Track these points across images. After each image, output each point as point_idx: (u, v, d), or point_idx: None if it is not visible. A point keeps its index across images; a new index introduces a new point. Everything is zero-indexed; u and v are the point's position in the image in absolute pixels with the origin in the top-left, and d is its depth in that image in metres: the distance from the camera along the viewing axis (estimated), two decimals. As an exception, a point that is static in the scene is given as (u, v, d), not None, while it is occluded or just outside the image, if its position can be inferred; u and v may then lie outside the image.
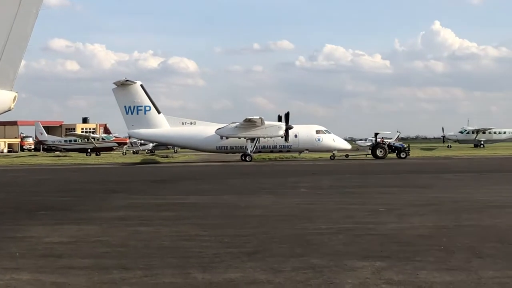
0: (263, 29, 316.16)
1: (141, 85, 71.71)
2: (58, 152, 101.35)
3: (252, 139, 69.05)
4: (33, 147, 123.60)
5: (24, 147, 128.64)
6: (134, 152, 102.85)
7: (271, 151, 72.59)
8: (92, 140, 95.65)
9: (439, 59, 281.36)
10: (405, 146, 74.60)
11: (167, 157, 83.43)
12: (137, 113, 70.38)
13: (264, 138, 69.37)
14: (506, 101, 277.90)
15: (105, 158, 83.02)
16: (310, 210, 21.86)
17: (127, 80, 70.38)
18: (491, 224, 17.66)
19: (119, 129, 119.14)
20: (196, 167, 59.72)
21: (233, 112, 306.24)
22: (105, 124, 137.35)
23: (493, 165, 53.14)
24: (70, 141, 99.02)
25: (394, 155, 70.80)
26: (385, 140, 77.27)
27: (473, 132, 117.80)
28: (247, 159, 68.03)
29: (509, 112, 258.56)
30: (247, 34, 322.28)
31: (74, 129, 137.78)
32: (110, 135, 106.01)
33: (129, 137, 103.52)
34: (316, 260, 12.79)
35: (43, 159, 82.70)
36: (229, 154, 73.38)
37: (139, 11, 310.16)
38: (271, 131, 68.41)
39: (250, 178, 40.12)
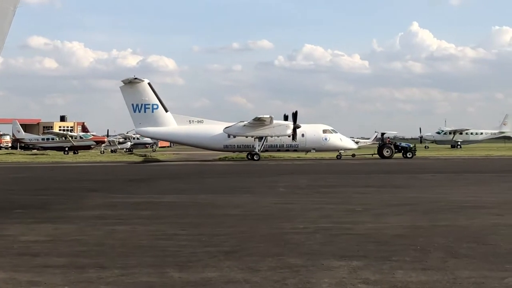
0: (242, 28, 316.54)
1: (149, 83, 71.81)
2: (35, 151, 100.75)
3: (260, 138, 69.33)
4: (10, 145, 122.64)
5: (1, 145, 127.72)
6: (112, 151, 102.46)
7: (278, 150, 72.90)
8: (70, 138, 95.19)
9: (417, 60, 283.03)
10: (411, 146, 75.15)
11: (145, 156, 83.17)
12: (145, 111, 70.61)
13: (272, 137, 69.62)
14: (483, 102, 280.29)
15: (83, 157, 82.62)
16: (288, 209, 21.90)
17: (135, 78, 70.55)
18: (467, 224, 17.78)
19: (97, 128, 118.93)
20: (175, 166, 59.59)
21: (212, 111, 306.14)
22: (83, 123, 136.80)
23: (470, 166, 53.52)
24: (48, 139, 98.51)
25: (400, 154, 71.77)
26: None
27: (450, 133, 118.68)
28: (254, 157, 68.30)
29: (486, 113, 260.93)
30: (227, 33, 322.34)
31: (51, 127, 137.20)
32: (88, 133, 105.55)
33: (107, 135, 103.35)
34: (293, 260, 12.82)
35: (20, 157, 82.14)
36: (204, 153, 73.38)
37: (118, 9, 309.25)
38: (279, 130, 68.74)
39: (228, 178, 40.14)
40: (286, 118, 71.02)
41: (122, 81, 71.23)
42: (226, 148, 72.38)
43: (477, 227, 17.29)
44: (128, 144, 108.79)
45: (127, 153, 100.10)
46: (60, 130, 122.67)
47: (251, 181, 36.24)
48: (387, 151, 71.75)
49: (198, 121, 72.73)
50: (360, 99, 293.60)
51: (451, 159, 69.35)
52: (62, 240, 15.74)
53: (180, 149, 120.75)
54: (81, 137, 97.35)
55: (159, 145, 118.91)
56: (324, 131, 71.52)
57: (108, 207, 23.09)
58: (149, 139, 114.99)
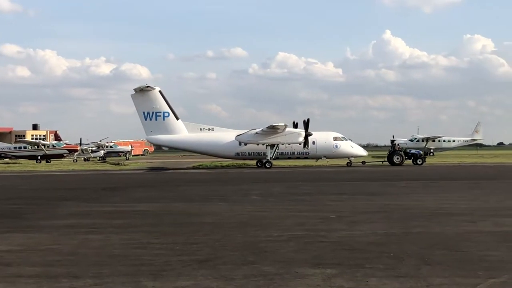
0: (217, 36, 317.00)
1: (160, 91, 71.79)
2: (7, 159, 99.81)
3: (272, 146, 69.49)
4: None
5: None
6: (85, 159, 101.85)
7: (289, 158, 72.90)
8: (43, 147, 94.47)
9: (390, 68, 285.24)
10: (421, 153, 75.63)
11: (118, 164, 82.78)
12: (156, 119, 70.57)
13: (283, 144, 69.82)
14: (455, 109, 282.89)
15: (55, 166, 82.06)
16: (262, 217, 21.91)
17: (147, 86, 70.69)
18: (440, 231, 17.91)
19: (70, 136, 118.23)
20: (149, 174, 59.37)
21: (186, 119, 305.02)
22: (56, 131, 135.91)
23: (442, 173, 53.89)
24: (20, 148, 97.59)
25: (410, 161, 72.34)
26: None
27: (422, 140, 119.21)
28: (266, 165, 68.35)
29: (458, 121, 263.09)
30: (201, 41, 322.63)
31: (24, 135, 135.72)
32: (61, 142, 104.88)
33: (80, 144, 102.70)
34: (267, 268, 12.83)
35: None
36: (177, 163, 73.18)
37: (91, 17, 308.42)
38: (291, 137, 68.70)
39: (202, 185, 40.08)
40: (296, 125, 70.88)
41: (134, 89, 71.57)
42: (237, 156, 72.47)
43: (450, 234, 17.42)
44: (101, 152, 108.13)
45: (100, 161, 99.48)
46: (32, 138, 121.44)
47: (226, 189, 36.20)
48: (398, 158, 72.43)
49: (209, 129, 72.77)
50: (334, 106, 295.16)
51: (424, 166, 69.56)
52: (34, 249, 15.61)
53: (154, 158, 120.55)
54: (53, 146, 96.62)
55: (132, 153, 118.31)
56: (335, 139, 71.65)
57: (81, 216, 22.94)
58: (123, 147, 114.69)
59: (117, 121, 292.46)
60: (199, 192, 34.70)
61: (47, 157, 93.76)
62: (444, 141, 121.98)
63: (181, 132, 71.48)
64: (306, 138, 68.67)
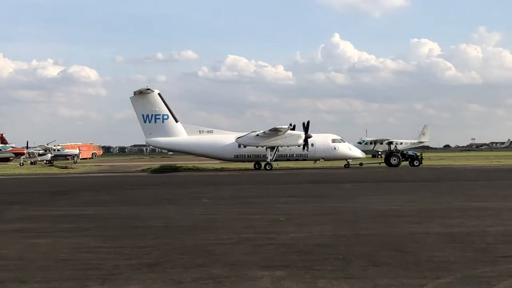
0: (167, 39, 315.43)
1: (159, 94, 71.54)
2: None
3: (272, 148, 69.71)
4: None
5: None
6: (32, 163, 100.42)
7: (288, 160, 73.15)
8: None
9: (339, 71, 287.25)
10: (418, 154, 76.60)
11: (66, 167, 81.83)
12: (155, 122, 70.55)
13: (283, 147, 70.09)
14: (403, 112, 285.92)
15: (1, 169, 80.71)
16: (212, 220, 21.88)
17: (147, 89, 70.50)
18: (387, 233, 18.10)
19: (16, 139, 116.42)
20: (97, 177, 58.81)
21: (135, 122, 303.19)
22: (2, 134, 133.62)
23: (390, 175, 54.49)
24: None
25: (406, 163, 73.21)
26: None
27: (371, 143, 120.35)
28: (267, 167, 68.50)
29: (406, 124, 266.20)
30: (151, 44, 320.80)
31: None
32: (7, 145, 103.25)
33: (27, 147, 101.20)
34: (216, 271, 12.82)
35: None
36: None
37: (38, 19, 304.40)
38: (291, 140, 69.02)
39: (151, 189, 39.85)
40: (293, 128, 70.72)
41: (134, 92, 71.30)
42: (237, 158, 72.51)
43: (398, 235, 17.62)
44: (48, 156, 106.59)
45: (47, 165, 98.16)
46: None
47: (175, 192, 36.07)
48: (395, 160, 73.43)
49: (208, 131, 72.88)
50: (284, 110, 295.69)
51: (372, 168, 70.20)
52: (-21, 254, 15.33)
53: (102, 161, 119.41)
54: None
55: (80, 157, 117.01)
56: (333, 141, 72.29)
57: (28, 220, 22.62)
58: (71, 150, 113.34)
59: (65, 124, 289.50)
60: (148, 195, 34.50)
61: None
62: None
63: (180, 134, 71.51)
64: (306, 140, 69.17)
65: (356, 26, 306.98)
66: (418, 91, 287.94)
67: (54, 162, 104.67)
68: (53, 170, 77.49)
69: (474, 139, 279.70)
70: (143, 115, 70.69)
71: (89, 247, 16.27)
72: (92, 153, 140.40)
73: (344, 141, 73.63)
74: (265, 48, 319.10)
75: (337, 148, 71.81)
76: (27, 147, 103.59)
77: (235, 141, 70.47)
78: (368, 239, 16.99)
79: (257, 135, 69.30)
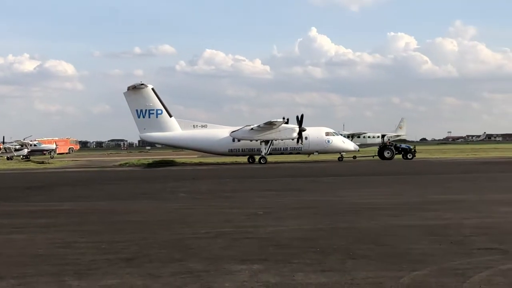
0: (144, 33, 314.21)
1: (153, 89, 71.36)
2: None
3: (267, 142, 69.88)
4: None
5: None
6: (8, 158, 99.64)
7: (281, 153, 73.24)
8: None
9: (317, 65, 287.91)
10: (411, 147, 77.08)
11: (43, 162, 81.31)
12: (149, 117, 70.54)
13: (277, 140, 70.24)
14: (380, 106, 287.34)
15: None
16: (189, 214, 21.86)
17: (141, 84, 70.30)
18: (365, 226, 18.18)
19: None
20: (74, 172, 58.50)
21: (112, 117, 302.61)
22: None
23: (368, 169, 54.69)
24: None
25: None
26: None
27: (348, 137, 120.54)
28: (261, 161, 68.65)
29: (383, 117, 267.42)
30: (128, 38, 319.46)
31: None
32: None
33: (3, 142, 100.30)
34: (194, 265, 12.81)
35: None
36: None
37: (14, 13, 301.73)
38: (286, 133, 69.28)
39: (129, 184, 39.70)
40: (287, 122, 70.67)
41: (128, 87, 71.10)
42: (231, 152, 72.63)
43: (375, 228, 17.70)
44: (25, 151, 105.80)
45: (24, 160, 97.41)
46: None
47: (153, 187, 35.96)
48: (388, 153, 74.06)
49: (202, 126, 72.92)
50: (262, 104, 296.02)
51: (349, 162, 70.34)
52: (-45, 250, 15.20)
53: (79, 156, 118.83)
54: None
55: (57, 152, 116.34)
56: (327, 134, 72.56)
57: (4, 216, 22.44)
58: (48, 145, 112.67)
59: (42, 119, 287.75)
60: (125, 190, 34.39)
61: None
62: (369, 137, 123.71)
63: (175, 129, 71.50)
64: (300, 133, 69.35)
65: (333, 20, 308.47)
66: (395, 85, 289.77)
67: (31, 157, 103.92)
68: (30, 165, 76.97)
69: (450, 132, 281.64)
70: (137, 110, 70.67)
71: (66, 242, 16.18)
72: (69, 148, 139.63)
73: (338, 134, 74.29)
74: (243, 42, 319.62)
75: (330, 141, 72.15)
76: (3, 142, 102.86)
77: (230, 135, 70.68)
78: (346, 232, 17.04)
79: (252, 129, 69.55)
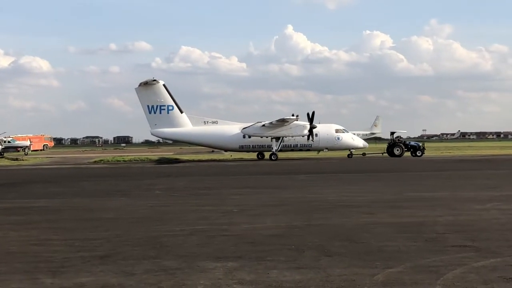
0: (121, 29, 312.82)
1: (164, 85, 71.20)
2: None
3: (278, 138, 69.94)
4: None
5: None
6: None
7: (292, 150, 73.27)
8: None
9: (293, 63, 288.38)
10: (420, 145, 77.46)
11: (17, 159, 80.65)
12: (160, 113, 70.55)
13: (288, 137, 70.29)
14: (356, 104, 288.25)
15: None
16: (165, 212, 21.79)
17: (153, 80, 70.14)
18: (339, 223, 18.23)
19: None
20: (48, 170, 58.09)
21: (87, 114, 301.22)
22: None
23: (343, 166, 54.85)
24: None
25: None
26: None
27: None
28: (272, 157, 68.90)
29: (359, 115, 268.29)
30: (104, 34, 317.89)
31: None
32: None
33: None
34: (169, 262, 12.76)
35: None
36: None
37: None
38: (296, 130, 69.57)
39: (104, 181, 39.50)
40: (296, 118, 70.89)
41: (140, 83, 70.89)
42: (242, 149, 72.85)
43: (349, 225, 17.75)
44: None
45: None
46: None
47: (128, 184, 35.81)
48: (398, 150, 74.72)
49: (213, 122, 72.99)
50: (238, 101, 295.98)
51: (324, 159, 70.50)
52: None
53: (53, 153, 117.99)
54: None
55: (31, 149, 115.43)
56: (337, 131, 72.77)
57: (-23, 213, 22.23)
58: (22, 142, 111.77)
59: (16, 115, 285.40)
60: (100, 187, 34.21)
61: None
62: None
63: (185, 125, 71.54)
64: (310, 130, 69.55)
65: (310, 18, 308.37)
66: (370, 83, 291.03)
67: (5, 154, 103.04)
68: (4, 162, 76.32)
69: (425, 130, 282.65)
70: (148, 106, 70.69)
71: (39, 239, 16.07)
72: (44, 145, 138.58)
73: (347, 131, 74.33)
74: (219, 39, 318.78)
75: (340, 138, 72.51)
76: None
77: (241, 131, 70.97)
78: (321, 229, 17.08)
79: (263, 125, 69.79)
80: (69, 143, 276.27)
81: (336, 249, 13.98)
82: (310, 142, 70.79)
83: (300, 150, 73.67)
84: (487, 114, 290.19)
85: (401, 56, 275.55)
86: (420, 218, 19.02)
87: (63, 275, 11.82)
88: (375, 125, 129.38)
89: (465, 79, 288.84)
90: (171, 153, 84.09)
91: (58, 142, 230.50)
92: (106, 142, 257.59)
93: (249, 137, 71.17)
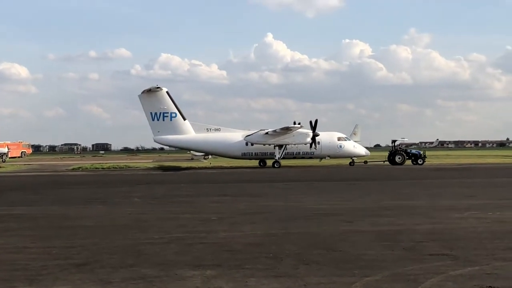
0: (100, 36, 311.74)
1: (167, 92, 71.16)
2: None
3: (280, 146, 70.20)
4: None
5: None
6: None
7: (294, 157, 73.36)
8: None
9: (273, 71, 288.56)
10: (421, 153, 77.57)
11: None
12: (163, 120, 70.64)
13: (290, 145, 70.48)
14: (335, 112, 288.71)
15: None
16: (143, 219, 21.70)
17: (157, 87, 70.12)
18: (318, 231, 18.25)
19: None
20: (26, 177, 57.72)
21: (65, 121, 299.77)
22: None
23: (322, 174, 54.95)
24: None
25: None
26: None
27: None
28: (275, 165, 69.23)
29: (338, 123, 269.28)
30: (84, 41, 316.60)
31: None
32: None
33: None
34: (147, 270, 12.71)
35: None
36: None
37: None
38: (300, 138, 69.82)
39: (82, 188, 39.28)
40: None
41: (143, 90, 70.91)
42: (244, 156, 72.94)
43: (328, 234, 17.78)
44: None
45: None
46: None
47: (106, 191, 35.64)
48: (399, 158, 75.17)
49: (216, 129, 73.13)
50: (218, 108, 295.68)
51: (303, 167, 70.65)
52: None
53: (31, 160, 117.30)
54: None
55: (9, 156, 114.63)
56: (339, 139, 73.09)
57: (-47, 221, 22.02)
58: (0, 149, 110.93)
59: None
60: (78, 194, 34.01)
61: None
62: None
63: (188, 132, 71.62)
64: (313, 138, 69.79)
65: (289, 26, 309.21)
66: (350, 91, 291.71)
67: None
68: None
69: (404, 138, 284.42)
70: (151, 113, 70.78)
71: (16, 247, 15.95)
72: (22, 152, 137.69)
73: (349, 139, 74.88)
74: (199, 46, 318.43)
75: (342, 146, 72.82)
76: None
77: (244, 139, 71.22)
78: (299, 237, 17.09)
79: (266, 133, 69.96)
80: (47, 150, 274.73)
81: (314, 257, 13.99)
82: (312, 150, 71.21)
83: (303, 157, 73.91)
84: (466, 123, 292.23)
85: (380, 65, 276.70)
86: (398, 227, 19.09)
87: (41, 283, 11.74)
88: (354, 134, 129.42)
89: (443, 88, 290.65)
90: (150, 161, 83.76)
91: (36, 149, 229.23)
92: (84, 149, 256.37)
93: (252, 144, 71.40)
